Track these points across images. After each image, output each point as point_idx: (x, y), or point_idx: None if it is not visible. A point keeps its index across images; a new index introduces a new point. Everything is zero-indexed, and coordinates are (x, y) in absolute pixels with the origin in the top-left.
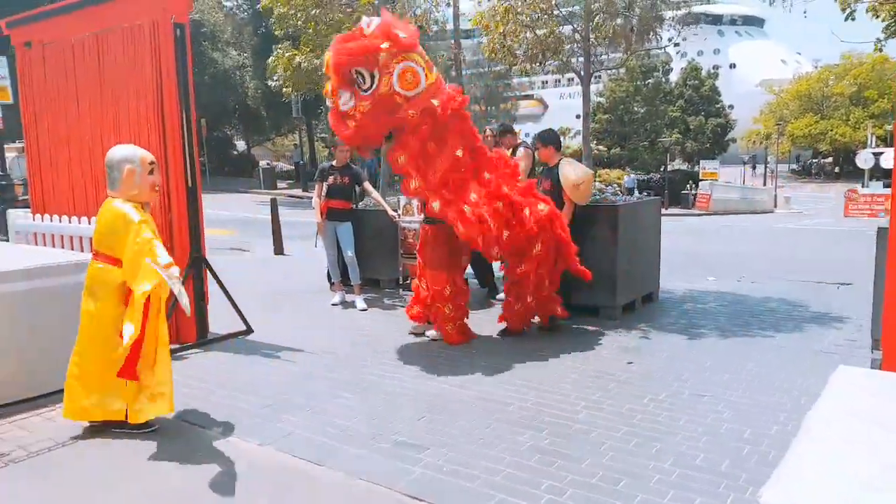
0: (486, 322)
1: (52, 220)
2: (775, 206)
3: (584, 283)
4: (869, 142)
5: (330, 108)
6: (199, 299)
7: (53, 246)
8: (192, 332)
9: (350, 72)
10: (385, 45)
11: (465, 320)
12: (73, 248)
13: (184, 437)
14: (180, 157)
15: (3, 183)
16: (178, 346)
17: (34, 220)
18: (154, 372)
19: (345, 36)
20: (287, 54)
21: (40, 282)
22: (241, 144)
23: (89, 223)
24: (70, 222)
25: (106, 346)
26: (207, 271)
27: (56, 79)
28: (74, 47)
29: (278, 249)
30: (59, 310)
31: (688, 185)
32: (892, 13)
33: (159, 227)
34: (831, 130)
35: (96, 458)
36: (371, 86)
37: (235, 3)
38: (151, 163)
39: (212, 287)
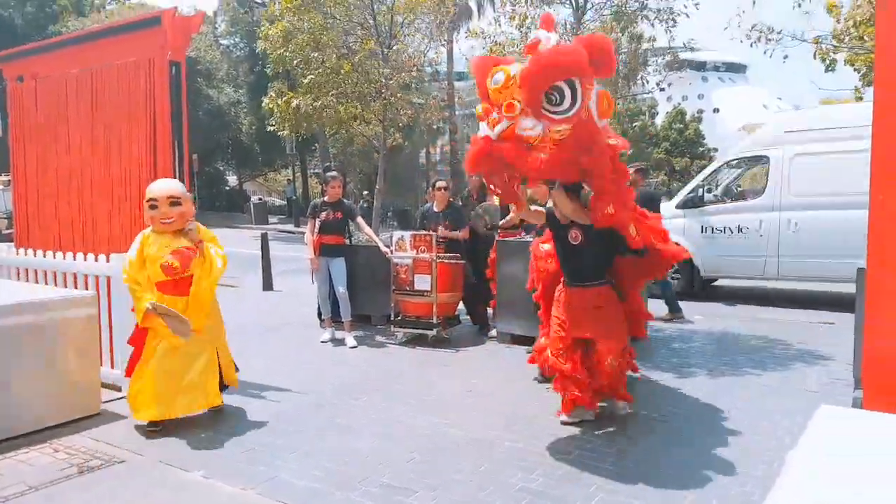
0: (479, 359)
1: (35, 255)
2: None
3: None
4: None
5: (486, 133)
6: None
7: (36, 281)
8: None
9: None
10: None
11: None
12: (56, 285)
13: (165, 479)
14: None
15: None
16: None
17: (17, 254)
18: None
19: (535, 47)
20: (284, 98)
21: (23, 318)
22: (232, 179)
23: (74, 259)
24: (55, 258)
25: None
26: None
27: (48, 113)
28: (68, 82)
29: (267, 285)
30: (36, 346)
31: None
32: (868, 64)
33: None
34: None
35: (73, 502)
36: (572, 106)
37: (232, 42)
38: (148, 200)
39: None
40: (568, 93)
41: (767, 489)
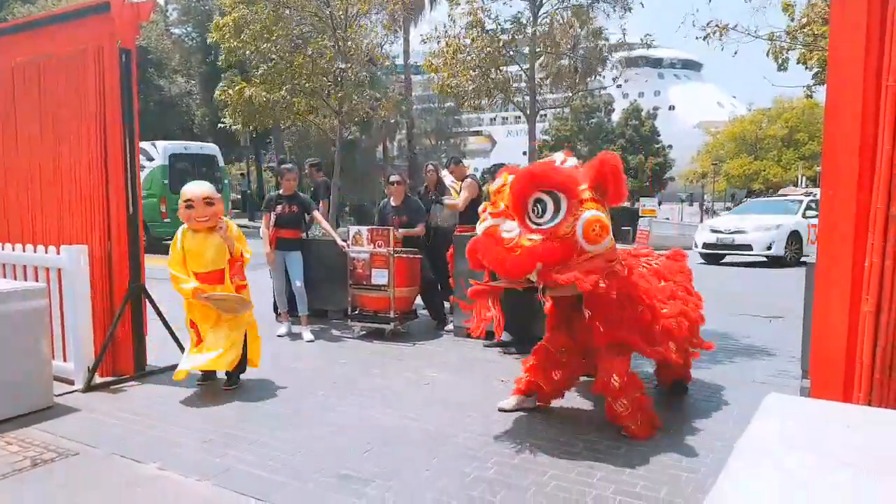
0: (435, 353)
1: None
2: None
3: (530, 315)
4: (799, 182)
5: (483, 226)
6: (138, 330)
7: None
8: (129, 363)
9: (531, 198)
10: (583, 187)
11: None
12: (5, 277)
13: (119, 472)
14: (122, 184)
15: None
16: (114, 378)
17: None
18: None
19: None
20: (237, 87)
21: None
22: None
23: (24, 250)
24: (4, 249)
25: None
26: (147, 301)
27: None
28: (14, 71)
29: None
30: None
31: None
32: (820, 63)
33: (100, 257)
34: (764, 171)
35: (27, 494)
36: (551, 220)
37: (184, 31)
38: (185, 200)
39: (151, 317)
40: (551, 207)
41: (717, 475)
